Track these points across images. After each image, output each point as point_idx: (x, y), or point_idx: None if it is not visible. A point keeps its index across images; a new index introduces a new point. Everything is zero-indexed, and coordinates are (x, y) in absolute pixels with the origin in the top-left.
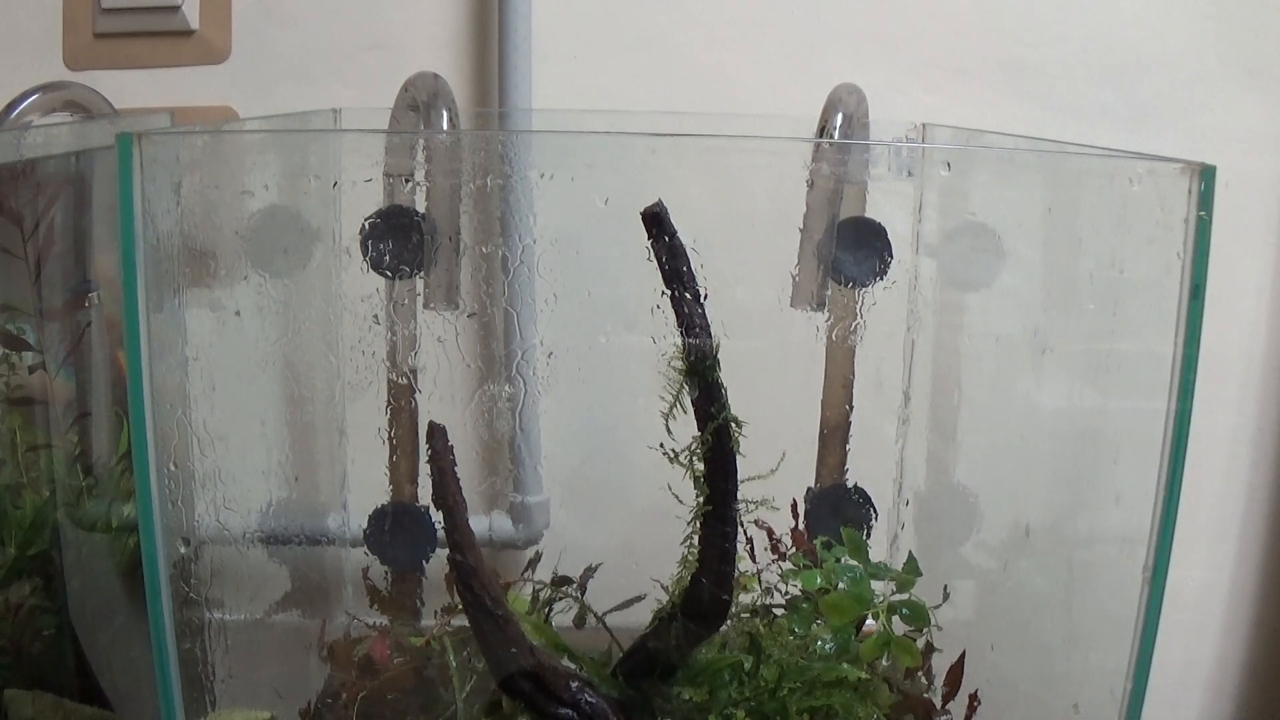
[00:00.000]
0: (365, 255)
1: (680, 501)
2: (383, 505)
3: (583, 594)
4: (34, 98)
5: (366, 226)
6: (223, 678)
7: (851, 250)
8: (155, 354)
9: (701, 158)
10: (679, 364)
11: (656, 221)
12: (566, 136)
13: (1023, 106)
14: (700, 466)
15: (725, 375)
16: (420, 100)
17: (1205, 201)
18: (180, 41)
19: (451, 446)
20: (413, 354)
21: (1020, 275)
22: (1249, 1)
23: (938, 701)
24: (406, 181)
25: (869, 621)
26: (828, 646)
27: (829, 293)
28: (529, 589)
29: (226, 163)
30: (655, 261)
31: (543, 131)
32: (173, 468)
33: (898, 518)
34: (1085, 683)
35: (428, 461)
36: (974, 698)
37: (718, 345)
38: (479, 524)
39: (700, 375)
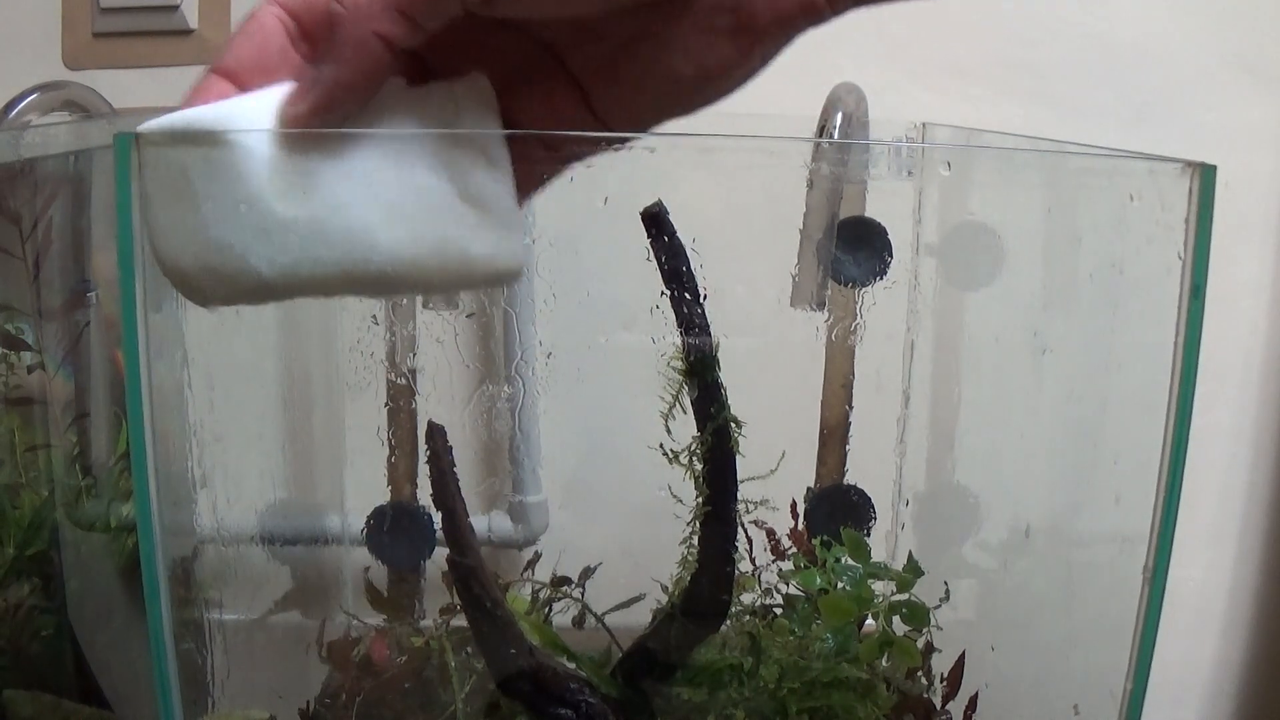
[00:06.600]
0: None
1: (680, 501)
2: (382, 505)
3: (582, 594)
4: (32, 97)
5: None
6: (222, 678)
7: (851, 250)
8: (154, 354)
9: (701, 158)
10: (679, 364)
11: (656, 221)
12: (565, 137)
13: (1023, 106)
14: (700, 466)
15: (725, 375)
16: None
17: (1205, 201)
18: (179, 41)
19: (450, 447)
20: (411, 354)
21: (1020, 275)
22: (1249, 1)
23: (938, 701)
24: None
25: (869, 621)
26: (828, 646)
27: (829, 293)
28: (529, 589)
29: None
30: (655, 261)
31: (542, 132)
32: (172, 468)
33: (897, 518)
34: (1085, 683)
35: (427, 462)
36: (973, 703)
37: (717, 345)
38: (478, 524)
39: (700, 375)
